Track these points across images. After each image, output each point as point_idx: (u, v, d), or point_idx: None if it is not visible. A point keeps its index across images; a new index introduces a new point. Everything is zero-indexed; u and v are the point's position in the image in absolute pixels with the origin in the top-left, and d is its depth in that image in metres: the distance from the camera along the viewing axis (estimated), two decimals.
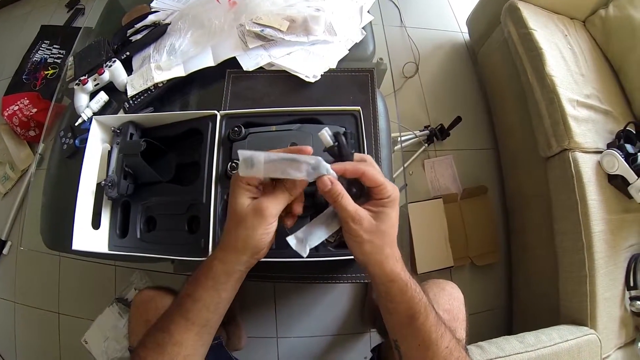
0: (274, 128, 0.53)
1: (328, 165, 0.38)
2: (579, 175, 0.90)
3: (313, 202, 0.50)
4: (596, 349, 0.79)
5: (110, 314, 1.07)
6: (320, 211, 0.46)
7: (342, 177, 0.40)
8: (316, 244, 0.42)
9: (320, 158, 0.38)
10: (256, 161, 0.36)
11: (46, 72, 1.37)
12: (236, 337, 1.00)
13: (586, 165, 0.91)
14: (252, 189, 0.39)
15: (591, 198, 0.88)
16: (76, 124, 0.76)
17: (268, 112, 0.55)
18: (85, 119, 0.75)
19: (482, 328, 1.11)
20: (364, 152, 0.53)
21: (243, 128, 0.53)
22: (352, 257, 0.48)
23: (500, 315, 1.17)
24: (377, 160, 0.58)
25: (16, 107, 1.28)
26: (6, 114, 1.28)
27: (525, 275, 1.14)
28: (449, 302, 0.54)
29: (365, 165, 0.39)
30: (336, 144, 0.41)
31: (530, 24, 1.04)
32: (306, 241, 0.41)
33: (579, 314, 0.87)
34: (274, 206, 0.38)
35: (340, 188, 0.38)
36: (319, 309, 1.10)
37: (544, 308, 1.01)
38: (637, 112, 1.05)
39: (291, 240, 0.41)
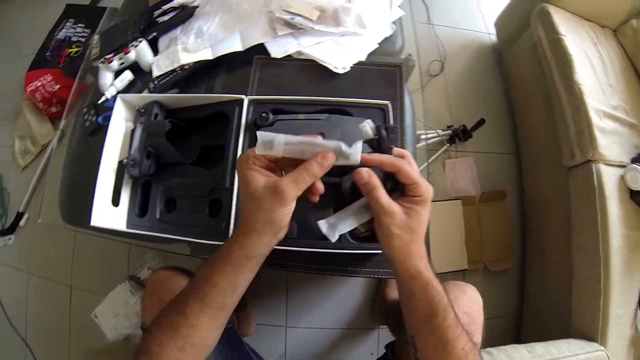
0: (301, 116, 0.52)
1: (354, 150, 0.38)
2: (602, 188, 0.88)
3: (337, 194, 0.50)
4: None
5: (122, 291, 1.09)
6: (343, 203, 0.46)
7: (377, 170, 0.40)
8: (346, 230, 0.43)
9: (341, 142, 0.37)
10: (276, 142, 0.36)
11: (70, 50, 1.39)
12: (246, 323, 1.01)
13: (609, 178, 0.89)
14: (260, 169, 0.38)
15: (612, 212, 0.86)
16: (99, 102, 0.76)
17: (296, 100, 0.55)
18: (109, 97, 0.76)
19: (490, 334, 1.09)
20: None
21: (271, 114, 0.53)
22: (373, 251, 0.48)
23: (510, 322, 1.16)
24: None
25: (39, 83, 1.30)
26: (29, 90, 1.30)
27: (538, 282, 1.12)
28: (469, 305, 0.54)
29: (402, 162, 0.39)
30: (376, 136, 0.41)
31: (560, 29, 1.02)
32: (336, 227, 0.42)
33: (589, 329, 0.85)
34: (293, 188, 0.36)
35: (376, 181, 0.39)
36: (330, 301, 1.10)
37: (554, 319, 1.00)
38: None
39: (322, 224, 0.42)
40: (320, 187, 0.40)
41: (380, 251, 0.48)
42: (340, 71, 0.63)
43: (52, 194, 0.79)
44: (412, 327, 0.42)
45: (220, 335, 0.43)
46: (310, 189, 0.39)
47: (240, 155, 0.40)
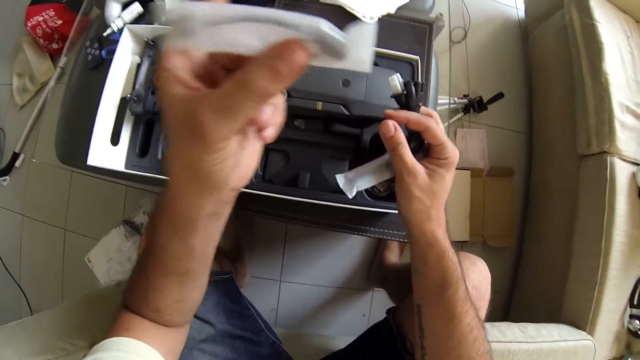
0: None
1: (354, 39, 0.20)
2: (613, 181, 0.87)
3: (355, 147, 0.48)
4: (590, 355, 0.80)
5: (117, 235, 1.07)
6: (361, 157, 0.44)
7: (402, 128, 0.38)
8: (364, 187, 0.41)
9: (321, 21, 0.20)
10: (191, 21, 0.19)
11: None
12: (240, 274, 1.01)
13: (622, 173, 0.88)
14: (182, 78, 0.22)
15: (619, 207, 0.86)
16: (104, 34, 0.71)
17: None
18: (116, 29, 0.71)
19: None
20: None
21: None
22: (386, 210, 0.46)
23: (501, 299, 1.19)
24: None
25: (40, 18, 1.23)
26: (29, 25, 1.23)
27: (533, 267, 1.13)
28: (479, 280, 0.53)
29: (430, 121, 0.37)
30: (404, 92, 0.39)
31: (596, 15, 0.97)
32: (355, 182, 0.40)
33: (580, 318, 0.87)
34: (220, 122, 0.20)
35: (401, 137, 0.37)
36: (326, 259, 1.10)
37: (543, 302, 1.02)
38: None
39: (340, 178, 0.40)
40: (277, 117, 0.24)
41: (393, 211, 0.46)
42: (368, 20, 0.59)
43: (49, 133, 0.76)
44: (421, 296, 0.41)
45: (202, 294, 0.36)
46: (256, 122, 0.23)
47: None
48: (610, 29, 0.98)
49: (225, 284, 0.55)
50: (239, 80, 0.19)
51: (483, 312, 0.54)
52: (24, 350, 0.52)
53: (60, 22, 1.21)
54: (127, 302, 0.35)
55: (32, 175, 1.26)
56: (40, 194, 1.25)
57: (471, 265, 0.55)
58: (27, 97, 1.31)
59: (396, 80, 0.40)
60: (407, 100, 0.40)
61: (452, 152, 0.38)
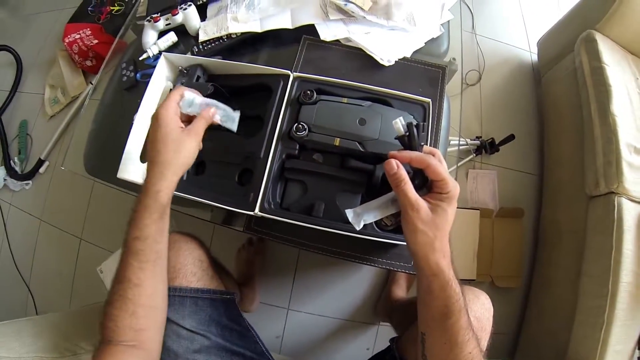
0: (345, 100, 0.52)
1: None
2: (620, 221, 0.87)
3: (368, 181, 0.51)
4: None
5: None
6: (373, 191, 0.47)
7: (407, 167, 0.41)
8: (371, 221, 0.44)
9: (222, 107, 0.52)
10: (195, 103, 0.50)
11: (112, 8, 1.40)
12: (249, 299, 1.02)
13: (629, 213, 0.88)
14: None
15: (627, 247, 0.85)
16: (140, 58, 0.77)
17: (341, 84, 0.55)
18: (151, 55, 0.77)
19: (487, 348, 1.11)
20: (427, 144, 0.52)
21: (315, 93, 0.53)
22: (395, 242, 0.48)
23: (506, 341, 1.16)
24: None
25: (78, 36, 1.32)
26: (67, 41, 1.32)
27: (540, 308, 1.11)
28: (481, 312, 0.54)
29: (431, 158, 0.40)
30: (407, 133, 0.42)
31: (604, 58, 1.00)
32: (362, 216, 0.43)
33: (586, 359, 0.85)
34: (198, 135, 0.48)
35: (404, 174, 0.40)
36: (336, 290, 1.11)
37: (550, 346, 1.00)
38: None
39: (349, 213, 0.43)
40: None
41: (401, 242, 0.48)
42: (386, 63, 0.63)
43: (78, 145, 0.80)
44: (425, 324, 0.43)
45: (166, 288, 0.46)
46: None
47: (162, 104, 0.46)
48: (618, 71, 1.01)
49: (224, 303, 0.57)
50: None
51: (484, 344, 0.54)
52: (30, 345, 0.53)
53: (95, 41, 1.30)
54: (104, 327, 0.41)
55: (55, 183, 1.32)
56: (60, 201, 1.29)
57: (474, 297, 0.56)
58: (57, 108, 1.39)
59: (399, 124, 0.43)
60: (410, 141, 0.42)
61: (453, 186, 0.40)
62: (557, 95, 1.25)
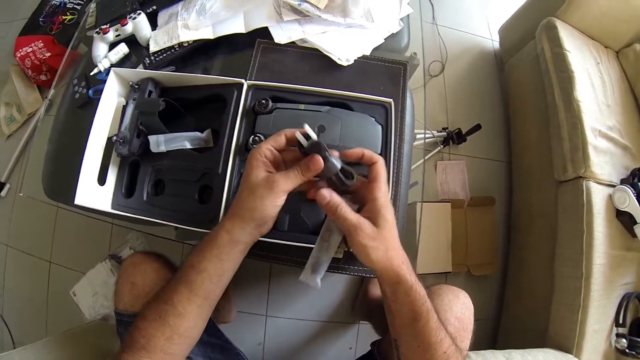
0: (302, 107, 0.51)
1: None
2: (590, 205, 0.89)
3: (334, 188, 0.49)
4: None
5: (102, 269, 1.06)
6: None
7: (333, 163, 0.40)
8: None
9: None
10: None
11: (64, 17, 1.33)
12: (226, 310, 1.00)
13: (598, 196, 0.90)
14: (268, 163, 0.41)
15: (597, 230, 0.88)
16: (91, 74, 0.73)
17: (298, 90, 0.53)
18: (102, 69, 0.73)
19: None
20: (389, 146, 0.51)
21: (270, 101, 0.51)
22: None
23: (487, 327, 1.18)
24: (399, 155, 0.57)
25: (30, 49, 1.25)
26: (18, 55, 1.24)
27: (517, 292, 1.14)
28: (462, 311, 0.54)
29: (379, 159, 0.42)
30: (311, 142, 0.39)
31: (565, 44, 1.02)
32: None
33: (566, 341, 0.87)
34: (284, 182, 0.39)
35: (336, 199, 0.40)
36: (311, 294, 1.10)
37: (530, 328, 1.02)
38: None
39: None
40: (312, 194, 0.42)
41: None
42: (344, 63, 0.62)
43: (36, 165, 0.76)
44: (395, 331, 0.43)
45: (205, 326, 0.44)
46: (309, 187, 0.42)
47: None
48: (579, 57, 1.03)
49: None
50: (297, 165, 0.40)
51: (467, 343, 0.55)
52: None
53: (48, 54, 1.23)
54: (134, 339, 0.39)
55: (18, 206, 1.25)
56: (25, 225, 1.23)
57: (454, 297, 0.55)
58: (14, 127, 1.31)
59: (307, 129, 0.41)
60: (339, 182, 0.41)
61: (385, 190, 0.41)
62: (520, 81, 1.26)
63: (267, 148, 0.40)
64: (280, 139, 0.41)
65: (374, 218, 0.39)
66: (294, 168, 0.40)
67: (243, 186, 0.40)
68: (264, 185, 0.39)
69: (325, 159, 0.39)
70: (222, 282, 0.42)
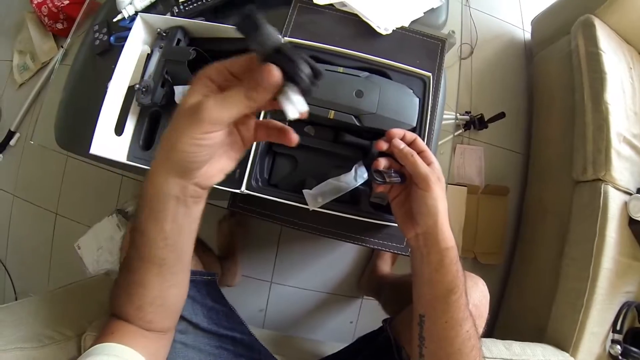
0: (341, 69, 0.49)
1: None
2: (605, 209, 0.88)
3: (364, 156, 0.48)
4: None
5: (109, 224, 1.06)
6: (368, 168, 0.44)
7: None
8: (327, 201, 0.44)
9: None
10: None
11: None
12: (231, 273, 1.00)
13: (614, 201, 0.90)
14: (213, 87, 0.29)
15: (609, 235, 0.88)
16: (114, 20, 0.71)
17: (337, 52, 0.51)
18: (126, 16, 0.70)
19: None
20: (425, 121, 0.49)
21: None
22: (387, 223, 0.46)
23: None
24: (430, 131, 0.55)
25: None
26: (35, 2, 1.21)
27: (520, 285, 1.15)
28: (479, 299, 0.54)
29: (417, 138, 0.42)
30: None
31: (601, 44, 0.99)
32: (317, 197, 0.43)
33: (564, 339, 0.88)
34: (216, 107, 0.26)
35: (410, 151, 0.41)
36: (319, 264, 1.10)
37: (529, 322, 1.03)
38: None
39: (306, 194, 0.44)
40: (293, 137, 0.32)
41: (394, 224, 0.46)
42: (383, 32, 0.59)
43: (48, 115, 0.74)
44: (426, 305, 0.42)
45: (183, 295, 0.38)
46: (282, 132, 0.33)
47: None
48: (613, 59, 1.00)
49: (205, 284, 0.55)
50: (235, 89, 0.27)
51: (481, 330, 0.55)
52: (9, 336, 0.51)
53: (67, 2, 1.19)
54: (113, 305, 0.36)
55: (27, 156, 1.24)
56: (33, 175, 1.22)
57: (473, 284, 0.55)
58: (27, 76, 1.29)
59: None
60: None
61: (437, 167, 0.42)
62: (549, 75, 1.24)
63: (216, 67, 0.29)
64: (238, 60, 0.29)
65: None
66: (235, 86, 0.27)
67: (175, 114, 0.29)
68: (185, 113, 0.27)
69: (293, 65, 0.26)
70: (171, 246, 0.32)
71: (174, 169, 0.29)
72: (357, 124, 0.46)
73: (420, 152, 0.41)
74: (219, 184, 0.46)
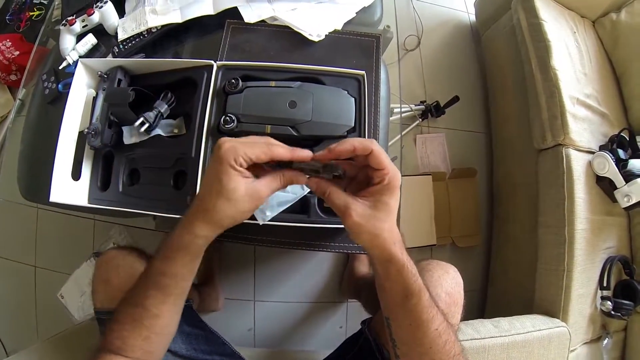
0: (272, 84, 0.50)
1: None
2: (570, 171, 0.90)
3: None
4: (565, 341, 0.82)
5: (88, 268, 1.05)
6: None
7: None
8: (273, 215, 0.45)
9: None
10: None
11: (31, 13, 1.28)
12: (213, 298, 1.00)
13: (577, 163, 0.92)
14: (244, 171, 0.36)
15: (578, 196, 0.90)
16: (60, 67, 0.71)
17: (268, 67, 0.52)
18: (71, 62, 0.71)
19: None
20: (363, 118, 0.51)
21: (240, 81, 0.50)
22: (339, 226, 0.47)
23: (475, 297, 1.20)
24: (376, 128, 0.57)
25: None
26: None
27: (503, 262, 1.16)
28: (452, 286, 0.54)
29: (374, 144, 0.37)
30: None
31: (541, 14, 1.02)
32: (265, 211, 0.44)
33: (552, 306, 0.89)
34: (266, 189, 0.37)
35: (324, 185, 0.38)
36: (298, 275, 1.11)
37: (517, 296, 1.04)
38: (632, 119, 1.06)
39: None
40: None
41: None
42: (315, 39, 0.61)
43: (11, 168, 0.74)
44: (387, 309, 0.42)
45: (179, 319, 0.43)
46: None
47: (225, 143, 0.36)
48: (556, 26, 1.04)
49: (183, 314, 0.55)
50: (280, 173, 0.38)
51: (458, 317, 0.55)
52: None
53: (17, 52, 1.19)
54: (109, 340, 0.39)
55: None
56: (6, 231, 1.20)
57: (444, 273, 0.55)
58: None
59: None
60: None
61: (393, 175, 0.37)
62: (497, 53, 1.27)
63: (245, 158, 0.36)
64: (265, 152, 0.36)
65: (374, 201, 0.37)
66: (276, 175, 0.38)
67: (219, 195, 0.36)
68: (249, 199, 0.37)
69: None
70: (194, 275, 0.41)
71: (229, 225, 0.38)
72: (295, 134, 0.47)
73: (370, 155, 0.38)
74: (174, 213, 0.47)
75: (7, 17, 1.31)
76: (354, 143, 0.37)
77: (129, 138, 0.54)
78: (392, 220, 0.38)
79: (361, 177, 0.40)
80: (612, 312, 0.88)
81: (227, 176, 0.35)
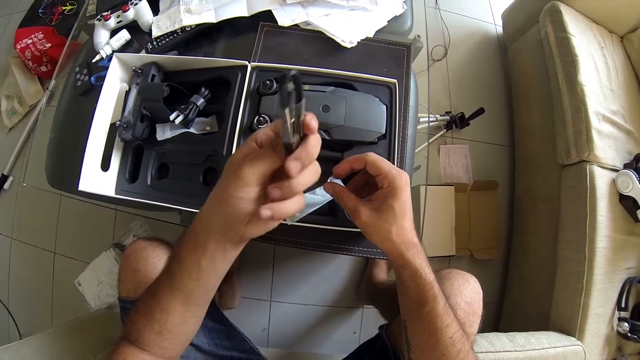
0: (306, 87, 0.51)
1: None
2: (593, 189, 0.89)
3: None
4: None
5: (107, 258, 1.07)
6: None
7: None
8: (301, 217, 0.46)
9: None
10: None
11: (64, 8, 1.32)
12: (230, 295, 1.01)
13: (601, 180, 0.90)
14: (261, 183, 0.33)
15: (601, 214, 0.88)
16: (93, 61, 0.73)
17: (302, 70, 0.53)
18: (104, 55, 0.72)
19: None
20: (394, 126, 0.51)
21: (275, 82, 0.51)
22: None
23: (490, 311, 1.18)
24: (404, 136, 0.57)
25: (29, 41, 1.24)
26: (19, 47, 1.24)
27: (520, 276, 1.15)
28: (471, 296, 0.54)
29: (368, 155, 0.40)
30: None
31: (569, 28, 1.01)
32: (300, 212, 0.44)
33: (568, 324, 0.88)
34: (252, 168, 0.31)
35: (338, 188, 0.42)
36: (316, 278, 1.11)
37: (533, 311, 1.03)
38: None
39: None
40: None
41: None
42: (348, 45, 0.61)
43: (39, 156, 0.76)
44: (404, 312, 0.43)
45: (198, 326, 0.42)
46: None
47: (249, 154, 0.33)
48: (584, 41, 1.02)
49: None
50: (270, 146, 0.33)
51: (476, 327, 0.55)
52: None
53: (49, 45, 1.23)
54: (129, 331, 0.38)
55: (21, 198, 1.25)
56: (29, 216, 1.24)
57: (465, 282, 0.55)
58: (15, 120, 1.31)
59: None
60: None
61: (393, 179, 0.39)
62: (524, 66, 1.26)
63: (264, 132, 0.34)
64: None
65: (379, 204, 0.39)
66: (266, 148, 0.33)
67: (230, 199, 0.32)
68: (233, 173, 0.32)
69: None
70: (202, 280, 0.36)
71: (222, 217, 0.33)
72: (327, 138, 0.48)
73: (365, 165, 0.41)
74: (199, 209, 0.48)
75: (39, 11, 1.36)
76: (349, 160, 0.41)
77: (162, 134, 0.56)
78: (400, 223, 0.39)
79: (373, 183, 0.42)
80: (629, 334, 0.86)
81: (244, 186, 0.31)
